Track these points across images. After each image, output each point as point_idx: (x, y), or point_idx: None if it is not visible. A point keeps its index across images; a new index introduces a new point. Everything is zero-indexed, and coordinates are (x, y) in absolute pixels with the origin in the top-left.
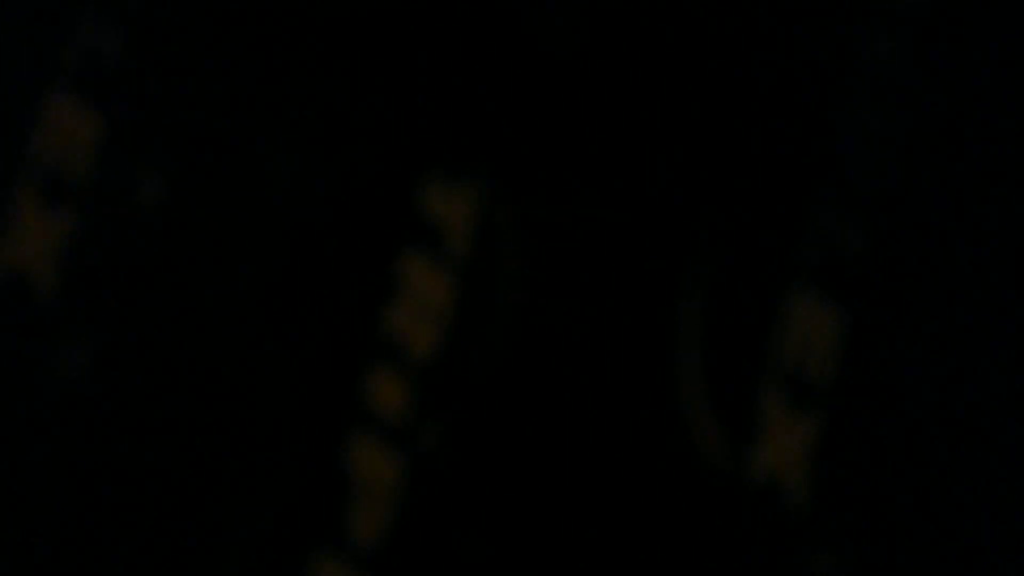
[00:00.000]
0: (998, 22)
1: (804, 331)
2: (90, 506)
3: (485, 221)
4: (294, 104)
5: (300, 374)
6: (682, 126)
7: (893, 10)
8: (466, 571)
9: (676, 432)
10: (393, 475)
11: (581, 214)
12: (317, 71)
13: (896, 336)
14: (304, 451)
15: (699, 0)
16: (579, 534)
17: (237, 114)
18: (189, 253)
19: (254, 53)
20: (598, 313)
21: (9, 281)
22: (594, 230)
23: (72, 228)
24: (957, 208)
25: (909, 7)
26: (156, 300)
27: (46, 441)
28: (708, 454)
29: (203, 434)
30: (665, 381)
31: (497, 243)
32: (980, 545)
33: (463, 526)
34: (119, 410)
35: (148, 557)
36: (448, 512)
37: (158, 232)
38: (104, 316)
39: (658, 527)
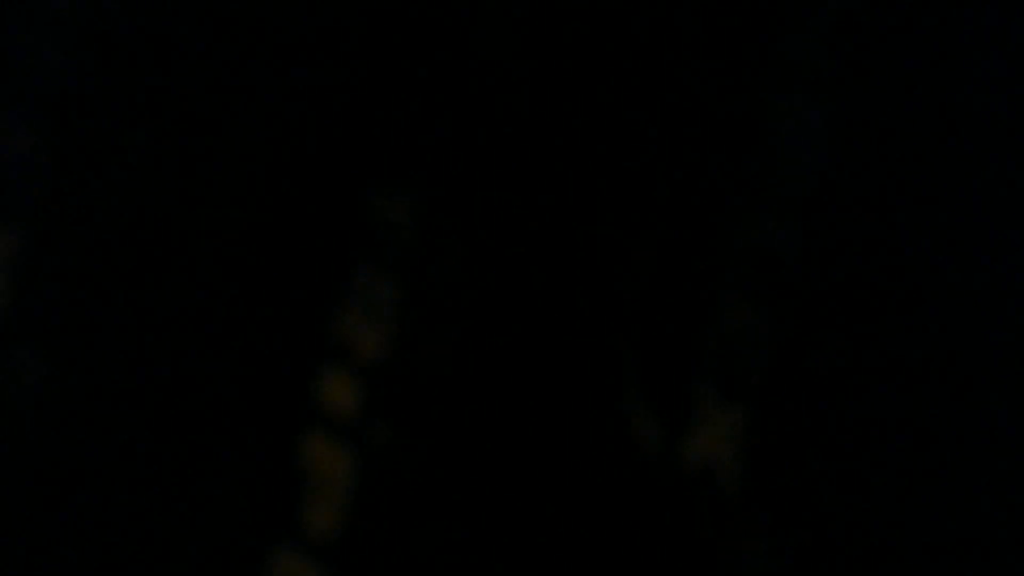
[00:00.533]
0: (930, 14)
1: (734, 326)
2: (48, 505)
3: (429, 226)
4: (246, 116)
5: (255, 375)
6: (617, 129)
7: (824, 8)
8: (416, 561)
9: (615, 423)
10: (345, 470)
11: (521, 210)
12: (266, 83)
13: (824, 330)
14: (260, 448)
15: (630, 5)
16: (524, 523)
17: (187, 124)
18: (142, 259)
19: (202, 63)
20: (539, 312)
21: None
22: (533, 229)
23: (22, 240)
24: (886, 206)
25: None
26: (110, 304)
27: (4, 442)
28: (645, 443)
29: (161, 434)
30: (604, 375)
31: (441, 247)
32: (905, 527)
33: (413, 518)
34: (76, 411)
35: (108, 553)
36: (398, 505)
37: (110, 237)
38: (58, 322)
39: (599, 513)
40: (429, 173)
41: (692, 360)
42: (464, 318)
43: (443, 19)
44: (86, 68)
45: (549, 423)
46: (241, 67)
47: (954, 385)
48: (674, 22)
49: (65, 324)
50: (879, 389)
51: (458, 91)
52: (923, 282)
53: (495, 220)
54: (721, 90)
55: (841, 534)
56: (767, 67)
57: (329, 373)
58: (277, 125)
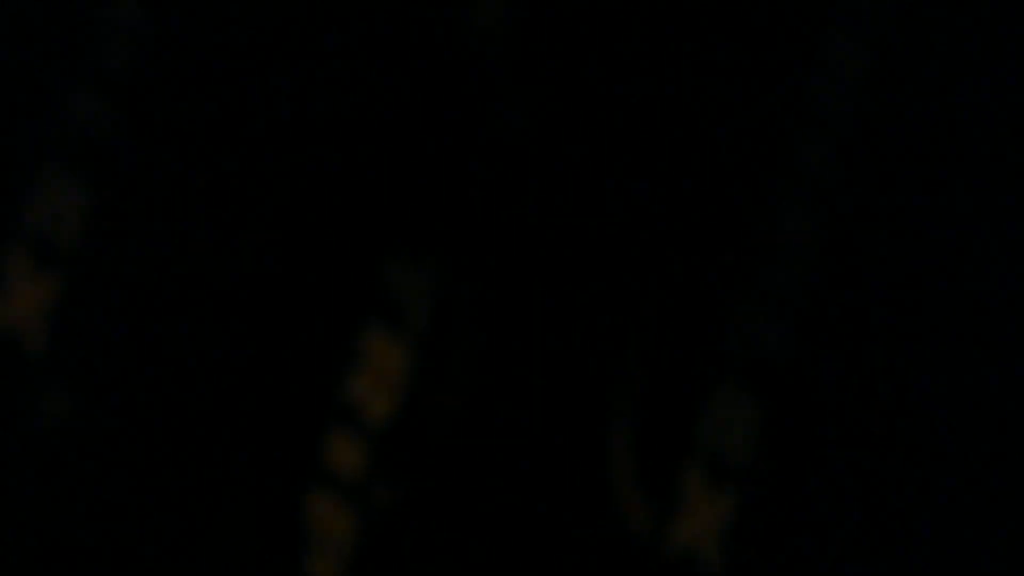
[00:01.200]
0: (939, 54)
1: (724, 418)
2: (70, 545)
3: (442, 297)
4: (264, 182)
5: (264, 435)
6: (619, 211)
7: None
8: None
9: (606, 504)
10: (349, 530)
11: (530, 295)
12: (287, 149)
13: (810, 423)
14: (267, 506)
15: (636, 99)
16: None
17: (211, 184)
18: (167, 318)
19: (228, 132)
20: (542, 390)
21: (4, 335)
22: (540, 312)
23: (60, 289)
24: (874, 307)
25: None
26: (133, 356)
27: (32, 479)
28: (634, 524)
29: (172, 489)
30: (598, 457)
31: (453, 318)
32: None
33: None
34: (95, 454)
35: None
36: (399, 564)
37: (136, 295)
38: (82, 372)
39: None
40: (443, 242)
41: (683, 449)
42: (470, 389)
43: (462, 87)
44: (121, 123)
45: (545, 497)
46: (262, 137)
47: (954, 468)
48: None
49: (95, 370)
50: (869, 480)
51: (475, 163)
52: (916, 385)
53: (504, 291)
54: (719, 186)
55: None
56: (769, 172)
57: (336, 435)
58: (296, 189)
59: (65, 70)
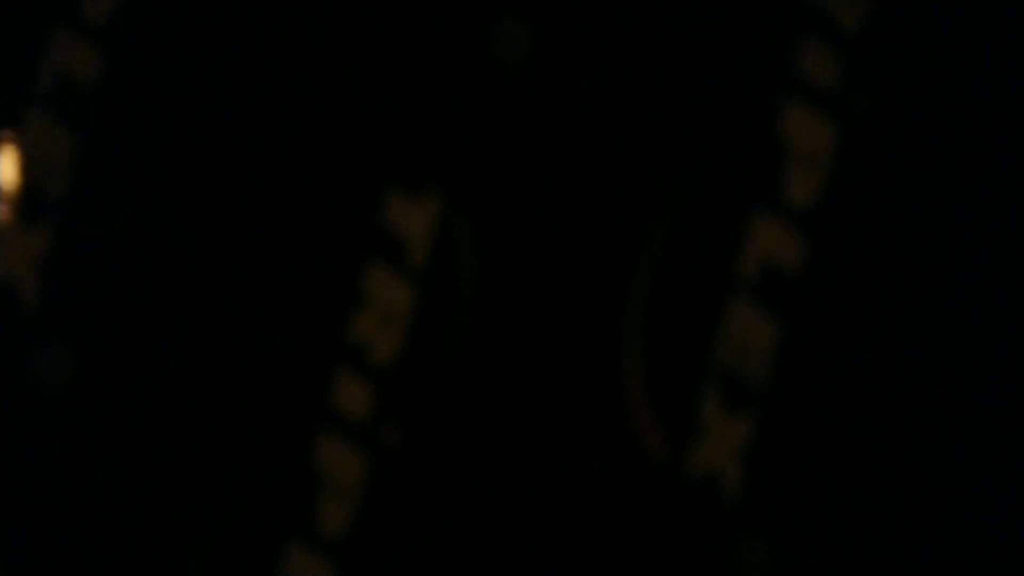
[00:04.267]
0: (934, 38)
1: (741, 338)
2: (69, 499)
3: (442, 233)
4: (266, 121)
5: (270, 378)
6: (628, 138)
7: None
8: (427, 560)
9: (621, 430)
10: (358, 472)
11: (532, 221)
12: (285, 90)
13: (830, 343)
14: (275, 450)
15: (641, 19)
16: (532, 526)
17: (208, 126)
18: (161, 265)
19: (224, 68)
20: (549, 320)
21: None
22: (544, 240)
23: (50, 239)
24: (897, 217)
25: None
26: (131, 307)
27: (29, 435)
28: (651, 451)
29: (178, 434)
30: (611, 384)
31: (455, 253)
32: (909, 538)
33: (424, 519)
34: (97, 409)
35: (125, 547)
36: (410, 506)
37: (134, 244)
38: (83, 321)
39: (605, 518)
40: (447, 179)
41: (699, 371)
42: (476, 325)
43: (454, 29)
44: (114, 66)
45: (557, 429)
46: (262, 74)
47: (965, 395)
48: (693, 27)
49: (92, 322)
50: (886, 403)
51: (476, 100)
52: (935, 292)
53: (510, 228)
54: (732, 99)
55: (843, 549)
56: (779, 79)
57: (342, 377)
58: (296, 131)
59: (49, 19)
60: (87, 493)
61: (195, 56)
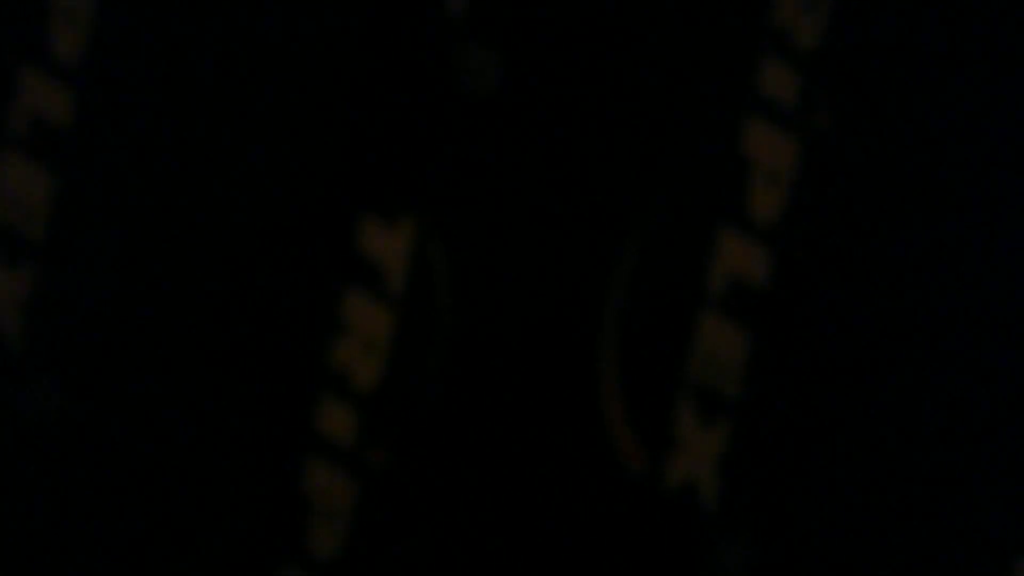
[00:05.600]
0: (892, 55)
1: (713, 351)
2: (62, 530)
3: (419, 257)
4: (242, 158)
5: (255, 407)
6: (600, 156)
7: (793, 42)
8: (417, 572)
9: (601, 445)
10: (347, 496)
11: (506, 246)
12: (261, 119)
13: (800, 353)
14: (264, 477)
15: (605, 44)
16: (518, 540)
17: (180, 166)
18: (142, 299)
19: (192, 109)
20: (526, 339)
21: None
22: (518, 260)
23: (33, 279)
24: (866, 228)
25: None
26: (117, 342)
27: (19, 467)
28: (629, 464)
29: (167, 464)
30: (589, 400)
31: (432, 276)
32: (884, 546)
33: (411, 537)
34: (87, 442)
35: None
36: (399, 527)
37: (115, 277)
38: (70, 358)
39: (588, 531)
40: (423, 205)
41: (674, 384)
42: (454, 346)
43: (434, 54)
44: (86, 105)
45: (537, 443)
46: (235, 106)
47: (936, 402)
48: (646, 51)
49: (79, 358)
50: (858, 411)
51: (456, 126)
52: (901, 301)
53: (483, 249)
54: (700, 115)
55: (819, 554)
56: (745, 93)
57: (326, 402)
58: (270, 161)
59: (17, 56)
60: (79, 524)
61: (168, 92)
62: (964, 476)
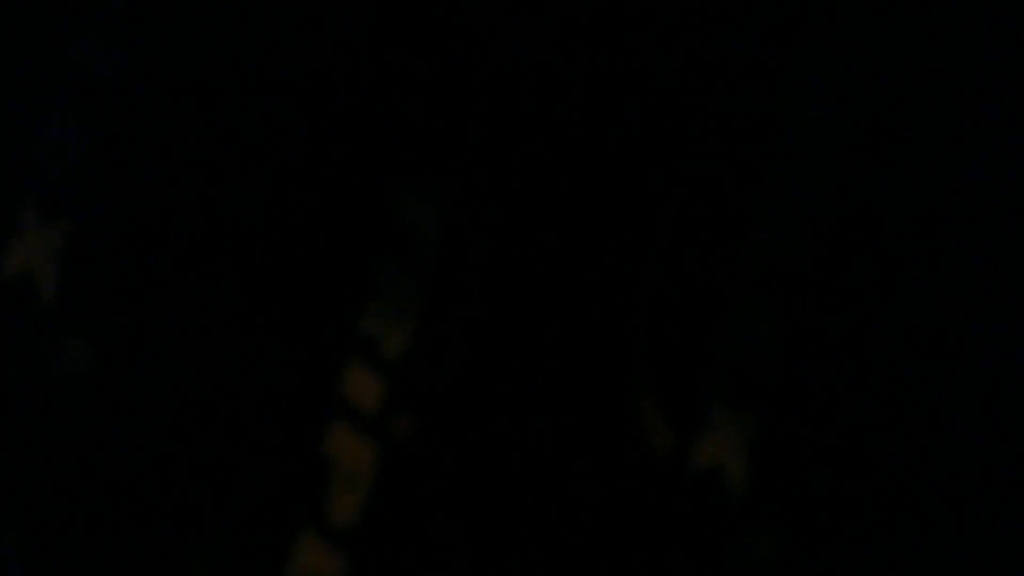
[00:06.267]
0: (945, 25)
1: (747, 334)
2: (85, 486)
3: (454, 225)
4: (281, 115)
5: (284, 370)
6: (636, 135)
7: (834, 17)
8: (434, 548)
9: (629, 425)
10: (369, 462)
11: (544, 217)
12: (297, 85)
13: (836, 338)
14: (287, 439)
15: (647, 15)
16: (538, 516)
17: (224, 120)
18: (178, 258)
19: (239, 61)
20: (558, 314)
21: (16, 281)
22: (554, 236)
23: (70, 231)
24: (901, 215)
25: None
26: (147, 300)
27: (50, 424)
28: (656, 446)
29: (192, 423)
30: (620, 378)
31: (465, 247)
32: (911, 535)
33: (432, 508)
34: (113, 399)
35: (142, 533)
36: (419, 495)
37: (149, 237)
38: (100, 314)
39: (611, 510)
40: (456, 174)
41: (704, 366)
42: (485, 318)
43: (469, 27)
44: (129, 62)
45: (566, 421)
46: (277, 67)
47: (967, 393)
48: (696, 27)
49: (109, 314)
50: (889, 398)
51: (488, 95)
52: (937, 291)
53: (517, 222)
54: (738, 97)
55: (847, 543)
56: (783, 75)
57: (354, 368)
58: (310, 125)
59: (69, 15)
60: (103, 480)
61: (208, 54)
62: (998, 470)
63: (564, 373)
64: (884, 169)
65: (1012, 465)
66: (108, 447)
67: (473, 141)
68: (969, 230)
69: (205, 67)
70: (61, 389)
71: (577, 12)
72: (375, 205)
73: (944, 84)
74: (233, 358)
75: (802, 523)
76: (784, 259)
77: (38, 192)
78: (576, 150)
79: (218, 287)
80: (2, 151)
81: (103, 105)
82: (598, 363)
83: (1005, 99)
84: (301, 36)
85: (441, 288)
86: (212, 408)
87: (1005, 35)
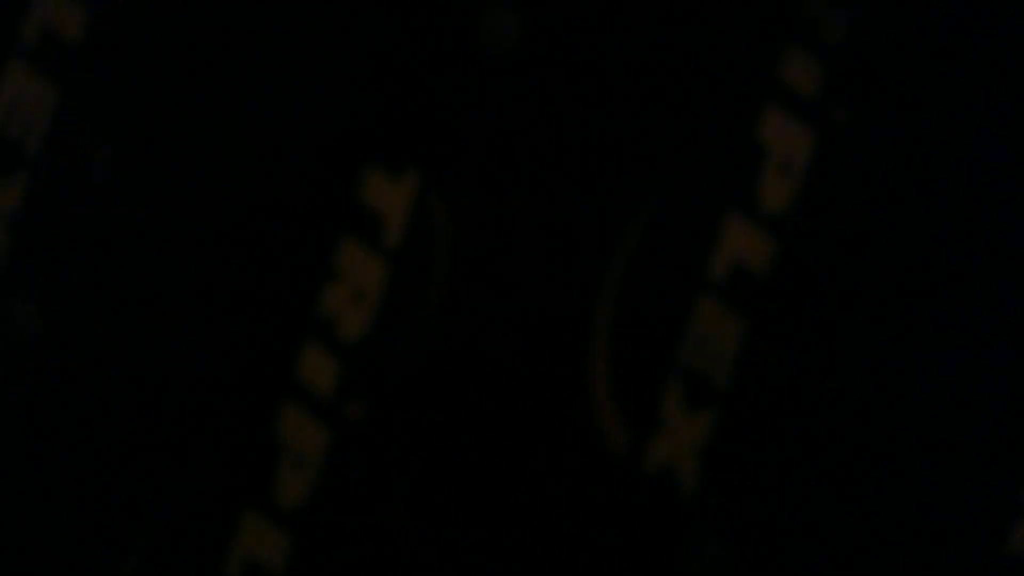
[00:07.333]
0: (918, 51)
1: (706, 336)
2: (28, 455)
3: (418, 212)
4: (244, 96)
5: (238, 347)
6: (605, 131)
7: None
8: (381, 533)
9: (583, 419)
10: (319, 444)
11: (509, 208)
12: (265, 64)
13: (793, 345)
14: (240, 420)
15: (628, 17)
16: (490, 506)
17: (187, 99)
18: (134, 226)
19: (205, 44)
20: (519, 306)
21: None
22: (519, 227)
23: (24, 194)
24: (865, 221)
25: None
26: (100, 267)
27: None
28: (611, 443)
29: (141, 395)
30: (576, 373)
31: (429, 232)
32: (864, 537)
33: (381, 493)
34: (62, 366)
35: (84, 508)
36: (368, 480)
37: (106, 202)
38: (51, 278)
39: (563, 502)
40: (424, 160)
41: (662, 367)
42: (445, 306)
43: (453, 12)
44: (95, 25)
45: (521, 413)
46: (246, 44)
47: (925, 399)
48: (674, 30)
49: (60, 279)
50: (846, 406)
51: (461, 84)
52: (900, 300)
53: (483, 211)
54: (708, 100)
55: (795, 544)
56: (759, 82)
57: (310, 349)
58: (278, 103)
59: None
60: (46, 450)
61: (178, 20)
62: (954, 472)
63: (523, 366)
64: (849, 175)
65: (968, 470)
66: (52, 415)
67: (443, 127)
68: (935, 239)
69: (173, 36)
70: (6, 355)
71: (559, 11)
72: (340, 188)
73: (918, 88)
74: (186, 333)
75: (752, 524)
76: (748, 265)
77: None
78: (549, 147)
79: (174, 260)
80: None
81: (66, 64)
82: (557, 357)
83: (986, 117)
84: (273, 16)
85: (402, 274)
86: (161, 383)
87: (987, 53)
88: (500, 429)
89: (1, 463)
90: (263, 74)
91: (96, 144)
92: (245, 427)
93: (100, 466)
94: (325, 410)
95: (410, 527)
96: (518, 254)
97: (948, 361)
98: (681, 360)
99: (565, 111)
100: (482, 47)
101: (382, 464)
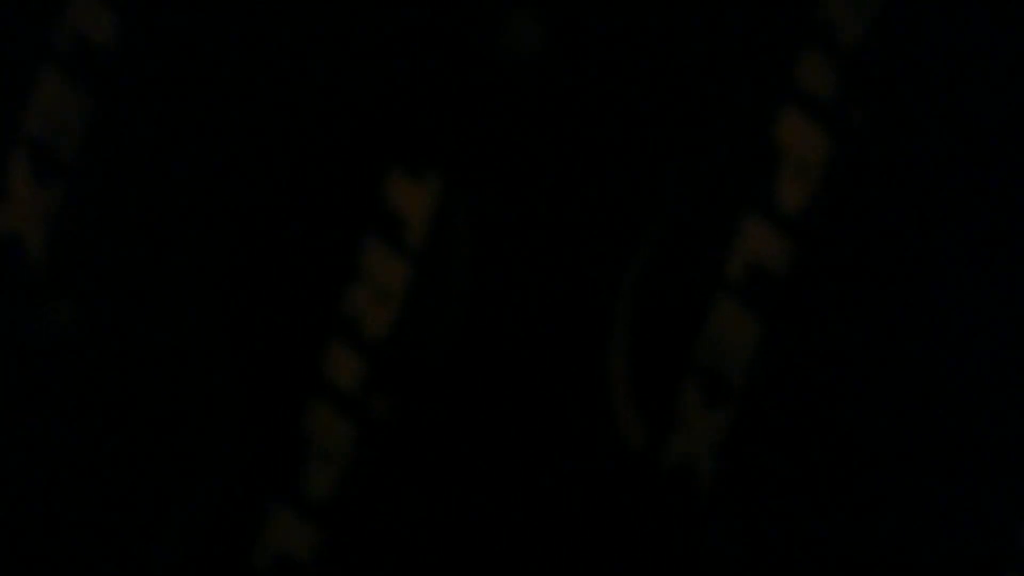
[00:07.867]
0: (933, 53)
1: (724, 334)
2: (63, 451)
3: (442, 214)
4: (271, 100)
5: (265, 345)
6: (621, 133)
7: (830, 41)
8: (407, 526)
9: (603, 415)
10: (345, 440)
11: (530, 210)
12: (293, 69)
13: (809, 344)
14: (267, 417)
15: (648, 20)
16: (511, 501)
17: (216, 104)
18: (165, 230)
19: (234, 49)
20: (540, 306)
21: (4, 241)
22: (539, 228)
23: (62, 198)
24: (882, 222)
25: (845, 38)
26: (134, 269)
27: (29, 388)
28: (629, 439)
29: (173, 392)
30: (596, 370)
31: (452, 232)
32: (879, 534)
33: (406, 488)
34: (96, 365)
35: (116, 503)
36: (393, 475)
37: (140, 205)
38: (87, 280)
39: (582, 497)
40: (447, 160)
41: (682, 365)
42: (468, 305)
43: (463, 14)
44: (128, 33)
45: (542, 410)
46: (273, 49)
47: (942, 396)
48: (691, 34)
49: (96, 281)
50: (861, 404)
51: (483, 87)
52: (915, 295)
53: (505, 212)
54: (726, 103)
55: (809, 538)
56: (775, 84)
57: (335, 346)
58: (299, 105)
59: None
60: (81, 445)
61: (208, 24)
62: (971, 470)
63: (544, 364)
64: (868, 177)
65: (981, 467)
66: (86, 412)
67: (465, 130)
68: (950, 240)
69: (203, 44)
70: (43, 352)
71: (581, 17)
72: (365, 188)
73: (930, 91)
74: (217, 332)
75: (766, 519)
76: (765, 265)
77: (31, 155)
78: (566, 144)
79: (205, 260)
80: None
81: (100, 71)
82: (578, 355)
83: (1002, 118)
84: (298, 20)
85: (426, 274)
86: (193, 380)
87: (1003, 55)
88: (521, 425)
89: (39, 457)
90: (290, 78)
91: (129, 149)
92: (274, 423)
93: (133, 460)
94: (351, 406)
95: (434, 520)
96: (538, 254)
97: (962, 361)
98: (698, 358)
99: (585, 114)
100: (505, 52)
101: (406, 458)
